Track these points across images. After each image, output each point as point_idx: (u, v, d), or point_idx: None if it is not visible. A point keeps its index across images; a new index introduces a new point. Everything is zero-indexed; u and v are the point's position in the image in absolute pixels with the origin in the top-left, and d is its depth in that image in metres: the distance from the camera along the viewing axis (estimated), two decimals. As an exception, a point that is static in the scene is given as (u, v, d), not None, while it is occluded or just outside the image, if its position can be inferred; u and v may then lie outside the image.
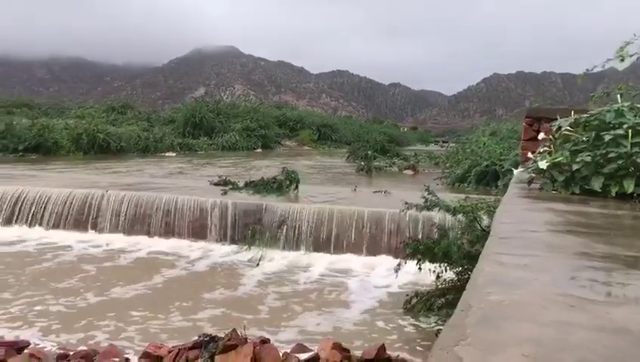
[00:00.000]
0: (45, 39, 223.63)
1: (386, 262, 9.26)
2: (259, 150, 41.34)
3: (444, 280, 6.93)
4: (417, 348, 5.91)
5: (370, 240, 9.81)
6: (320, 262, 9.48)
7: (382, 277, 8.72)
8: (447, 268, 6.82)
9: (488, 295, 1.28)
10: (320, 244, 9.93)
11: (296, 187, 12.11)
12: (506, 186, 13.24)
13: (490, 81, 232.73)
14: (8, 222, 11.24)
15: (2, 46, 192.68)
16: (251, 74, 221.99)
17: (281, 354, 4.67)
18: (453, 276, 6.91)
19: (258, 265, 9.25)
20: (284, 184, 12.00)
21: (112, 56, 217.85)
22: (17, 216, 11.29)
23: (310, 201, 11.01)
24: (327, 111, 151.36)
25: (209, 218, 10.64)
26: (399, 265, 7.11)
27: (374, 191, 12.83)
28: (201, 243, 10.38)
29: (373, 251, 9.75)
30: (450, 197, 8.71)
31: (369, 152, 25.90)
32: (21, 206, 11.38)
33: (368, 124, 76.99)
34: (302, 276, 8.79)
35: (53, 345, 5.56)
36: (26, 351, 4.98)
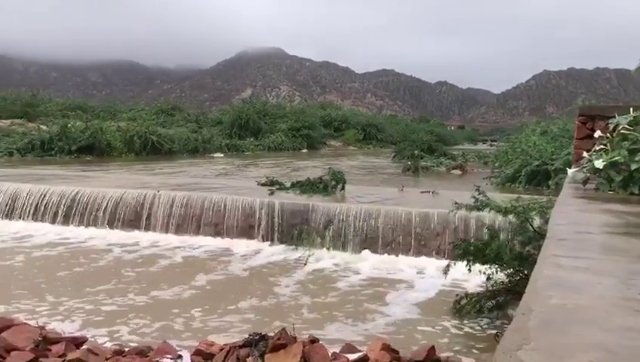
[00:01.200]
0: (98, 44, 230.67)
1: (434, 262, 9.18)
2: (304, 150, 41.60)
3: (495, 282, 6.81)
4: (471, 350, 5.82)
5: (418, 240, 9.73)
6: (367, 262, 9.47)
7: (429, 277, 8.64)
8: (498, 269, 6.70)
9: (549, 298, 1.25)
10: (367, 244, 9.91)
11: (343, 187, 12.13)
12: (558, 186, 12.90)
13: (539, 79, 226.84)
14: (66, 221, 11.67)
15: (57, 51, 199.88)
16: (296, 75, 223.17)
17: (329, 354, 4.69)
18: (504, 278, 6.79)
19: (305, 264, 9.30)
20: (330, 184, 12.03)
21: (162, 59, 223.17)
22: (74, 216, 11.70)
23: (357, 201, 11.01)
24: (372, 111, 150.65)
25: (257, 218, 10.77)
26: (448, 266, 7.02)
27: (422, 192, 12.72)
28: (249, 243, 10.51)
29: (420, 252, 9.67)
30: (501, 198, 8.56)
31: (416, 152, 25.68)
32: (77, 206, 11.79)
33: (414, 124, 76.41)
34: (348, 276, 8.79)
35: (108, 341, 5.75)
36: (84, 346, 5.15)
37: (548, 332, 1.03)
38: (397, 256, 9.71)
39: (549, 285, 1.37)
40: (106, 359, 4.78)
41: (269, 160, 29.39)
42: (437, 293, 7.90)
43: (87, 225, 11.53)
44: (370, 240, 9.92)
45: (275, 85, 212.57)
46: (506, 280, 6.81)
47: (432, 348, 4.93)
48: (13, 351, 4.58)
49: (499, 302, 6.84)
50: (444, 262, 7.71)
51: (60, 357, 4.73)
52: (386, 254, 9.77)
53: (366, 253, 9.85)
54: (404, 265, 9.35)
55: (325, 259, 9.62)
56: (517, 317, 1.14)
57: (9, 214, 12.15)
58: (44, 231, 11.25)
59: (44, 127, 31.86)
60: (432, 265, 9.15)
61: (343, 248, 9.97)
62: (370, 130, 54.34)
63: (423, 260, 9.48)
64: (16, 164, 22.56)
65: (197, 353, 4.86)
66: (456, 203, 7.21)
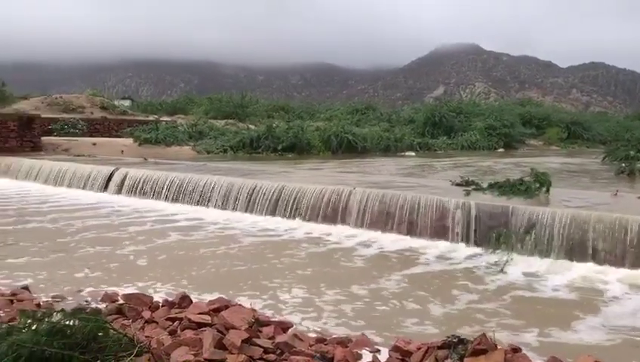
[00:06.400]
0: (298, 48, 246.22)
1: (653, 277, 8.20)
2: (500, 150, 39.88)
3: None
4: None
5: (635, 251, 8.71)
6: (571, 271, 8.76)
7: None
8: None
9: None
10: (573, 252, 9.14)
11: (548, 190, 11.35)
12: None
13: None
14: (272, 213, 12.69)
15: (263, 56, 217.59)
16: (492, 70, 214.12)
17: (534, 366, 4.43)
18: None
19: (502, 270, 8.89)
20: (533, 186, 11.35)
21: (356, 60, 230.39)
22: (278, 208, 12.66)
23: (563, 205, 10.21)
24: (577, 108, 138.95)
25: (451, 218, 10.57)
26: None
27: (639, 197, 11.38)
28: (443, 243, 10.36)
29: (636, 264, 8.66)
30: None
31: (631, 152, 23.10)
32: (281, 199, 12.73)
33: (628, 121, 68.60)
34: (550, 284, 8.22)
35: (310, 329, 6.10)
36: (289, 331, 5.53)
37: None
38: (607, 266, 8.82)
39: None
40: (310, 345, 5.07)
41: (462, 159, 28.71)
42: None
43: (290, 217, 12.37)
44: (577, 248, 9.14)
45: (470, 82, 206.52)
46: None
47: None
48: (231, 329, 5.07)
49: None
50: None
51: (269, 339, 5.13)
52: (593, 264, 8.94)
53: (571, 261, 9.11)
54: (614, 277, 8.46)
55: (525, 264, 9.09)
56: None
57: (223, 205, 13.58)
58: (253, 221, 12.36)
59: (252, 127, 34.94)
60: (649, 279, 8.19)
61: (546, 255, 9.31)
62: (575, 128, 50.01)
63: (638, 274, 8.48)
64: (230, 159, 25.07)
65: (395, 349, 4.93)
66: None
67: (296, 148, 29.50)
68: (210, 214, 13.19)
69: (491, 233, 9.91)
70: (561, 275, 8.61)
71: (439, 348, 4.61)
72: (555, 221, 9.40)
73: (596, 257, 8.97)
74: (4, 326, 4.34)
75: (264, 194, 13.03)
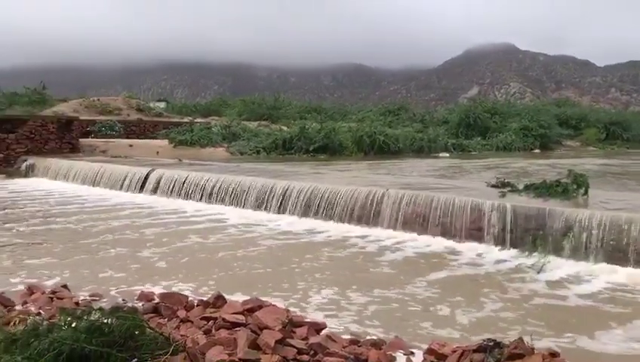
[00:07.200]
0: (330, 49, 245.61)
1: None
2: (536, 151, 39.18)
3: None
4: None
5: (678, 255, 8.45)
6: (610, 276, 8.52)
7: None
8: None
9: None
10: (613, 256, 8.89)
11: (586, 191, 11.09)
12: None
13: None
14: (304, 214, 12.73)
15: (296, 58, 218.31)
16: (528, 70, 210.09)
17: (573, 372, 4.33)
18: None
19: (539, 272, 8.73)
20: (570, 188, 11.10)
21: (389, 61, 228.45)
22: (311, 210, 12.69)
23: (602, 208, 9.96)
24: (616, 108, 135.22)
25: (486, 220, 10.42)
26: None
27: (682, 199, 11.04)
28: (478, 246, 10.23)
29: (680, 268, 8.40)
30: None
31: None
32: (313, 201, 12.77)
33: (670, 121, 66.57)
34: (587, 289, 8.01)
35: (342, 330, 6.08)
36: (323, 332, 5.53)
37: None
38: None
39: None
40: (343, 347, 5.05)
41: (497, 160, 28.28)
42: None
43: (324, 218, 12.38)
44: (617, 252, 8.90)
45: (505, 82, 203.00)
46: None
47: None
48: (265, 329, 5.10)
49: None
50: None
51: (303, 339, 5.13)
52: (634, 268, 8.68)
53: (611, 265, 8.87)
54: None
55: (562, 268, 8.91)
56: None
57: (259, 206, 13.69)
58: (286, 222, 12.43)
59: (284, 128, 35.10)
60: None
61: (584, 258, 9.09)
62: (614, 128, 48.68)
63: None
64: (263, 160, 25.26)
65: (429, 352, 4.88)
66: None
67: (328, 150, 29.53)
68: (243, 215, 13.31)
69: (527, 235, 9.74)
70: (599, 280, 8.39)
71: (475, 351, 4.55)
72: (593, 223, 9.18)
73: (638, 261, 8.72)
74: (45, 323, 4.46)
75: (296, 195, 13.09)
